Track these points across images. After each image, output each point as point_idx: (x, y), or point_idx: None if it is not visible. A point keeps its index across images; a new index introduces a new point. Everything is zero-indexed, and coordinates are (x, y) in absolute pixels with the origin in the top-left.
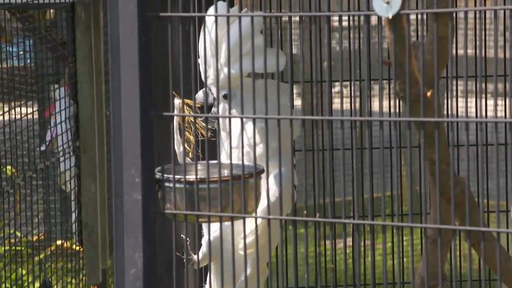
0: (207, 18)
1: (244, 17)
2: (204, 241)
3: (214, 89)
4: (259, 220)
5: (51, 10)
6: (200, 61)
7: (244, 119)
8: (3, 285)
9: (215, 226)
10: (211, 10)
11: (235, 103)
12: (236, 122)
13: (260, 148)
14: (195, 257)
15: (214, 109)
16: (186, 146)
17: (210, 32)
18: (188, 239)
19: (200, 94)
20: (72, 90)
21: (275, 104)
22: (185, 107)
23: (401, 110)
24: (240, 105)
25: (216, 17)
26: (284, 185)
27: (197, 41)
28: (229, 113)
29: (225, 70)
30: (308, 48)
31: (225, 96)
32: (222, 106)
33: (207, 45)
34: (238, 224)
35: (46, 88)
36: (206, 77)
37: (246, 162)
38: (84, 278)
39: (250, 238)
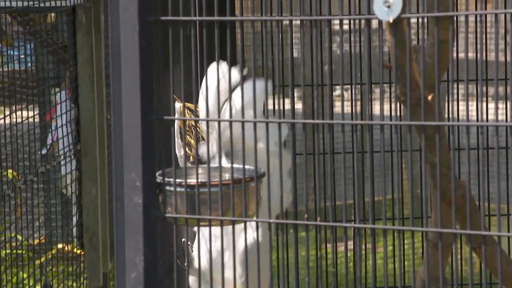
0: (209, 75)
1: (247, 87)
2: (204, 254)
3: (215, 147)
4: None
5: (52, 14)
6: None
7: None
8: None
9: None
10: (213, 68)
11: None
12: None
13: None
14: (196, 265)
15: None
16: (187, 149)
17: (212, 92)
18: (189, 243)
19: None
20: (73, 94)
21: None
22: (186, 111)
23: (402, 113)
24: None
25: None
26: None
27: (197, 45)
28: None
29: (227, 132)
30: (309, 51)
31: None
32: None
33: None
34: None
35: (47, 91)
36: (208, 136)
37: (247, 166)
38: (85, 281)
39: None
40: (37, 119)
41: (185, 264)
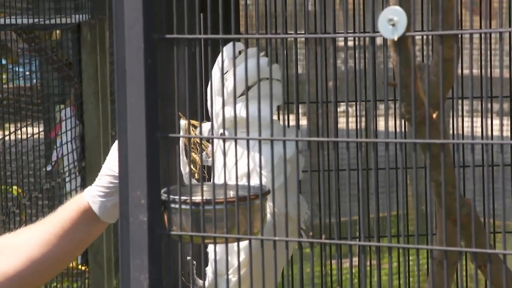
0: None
1: (249, 62)
2: (210, 266)
3: (215, 125)
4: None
5: (57, 31)
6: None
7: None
8: None
9: (219, 253)
10: (227, 48)
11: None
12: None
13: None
14: (201, 282)
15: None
16: (192, 167)
17: (217, 70)
18: (194, 262)
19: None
20: (78, 111)
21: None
22: (190, 128)
23: (406, 130)
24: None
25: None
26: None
27: (202, 63)
28: (223, 150)
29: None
30: (314, 68)
31: (221, 135)
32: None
33: (214, 84)
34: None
35: (52, 108)
36: (212, 114)
37: (252, 183)
38: None
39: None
40: (42, 136)
41: (190, 283)
